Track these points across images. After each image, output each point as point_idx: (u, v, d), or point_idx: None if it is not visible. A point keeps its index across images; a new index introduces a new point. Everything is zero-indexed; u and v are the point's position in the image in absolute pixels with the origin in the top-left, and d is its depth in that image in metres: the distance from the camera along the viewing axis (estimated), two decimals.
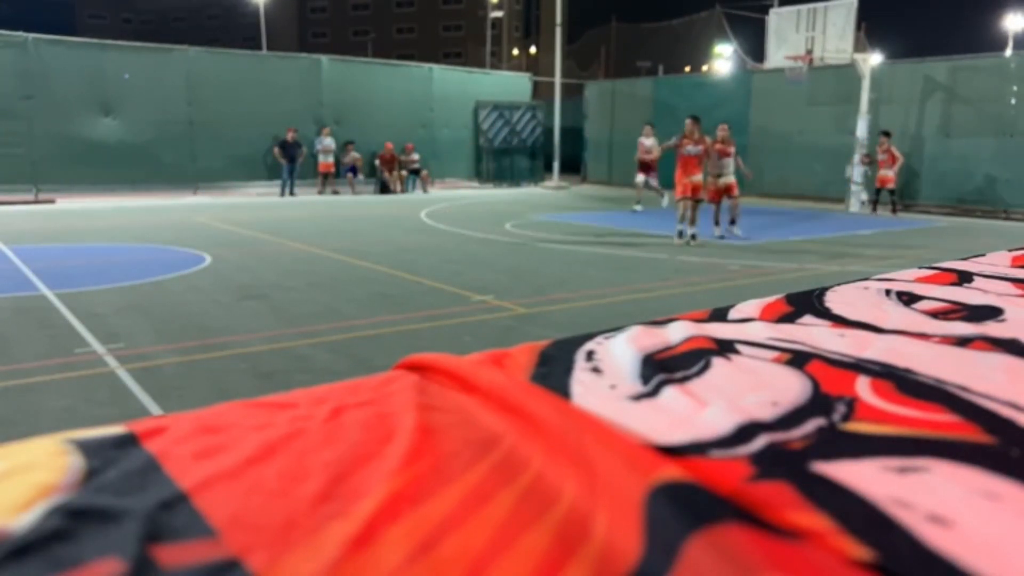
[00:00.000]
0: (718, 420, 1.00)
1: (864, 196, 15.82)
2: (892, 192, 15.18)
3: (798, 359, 1.29)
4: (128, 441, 0.92)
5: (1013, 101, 15.00)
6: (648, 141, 14.88)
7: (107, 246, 9.84)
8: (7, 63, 15.65)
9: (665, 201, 14.73)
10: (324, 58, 20.13)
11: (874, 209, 15.44)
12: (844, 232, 12.25)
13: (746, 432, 0.97)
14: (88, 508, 0.75)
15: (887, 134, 15.10)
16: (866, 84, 15.68)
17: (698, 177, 10.18)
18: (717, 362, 1.28)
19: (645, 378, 1.19)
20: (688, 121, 10.28)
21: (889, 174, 14.96)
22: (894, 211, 15.26)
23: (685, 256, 9.31)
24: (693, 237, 10.26)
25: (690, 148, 10.21)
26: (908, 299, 1.77)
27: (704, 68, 32.17)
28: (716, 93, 20.32)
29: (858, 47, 16.44)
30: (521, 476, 0.85)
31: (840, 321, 1.57)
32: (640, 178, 15.05)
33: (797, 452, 0.92)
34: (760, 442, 0.94)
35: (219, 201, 16.70)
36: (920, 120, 16.24)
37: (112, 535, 0.70)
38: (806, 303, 1.71)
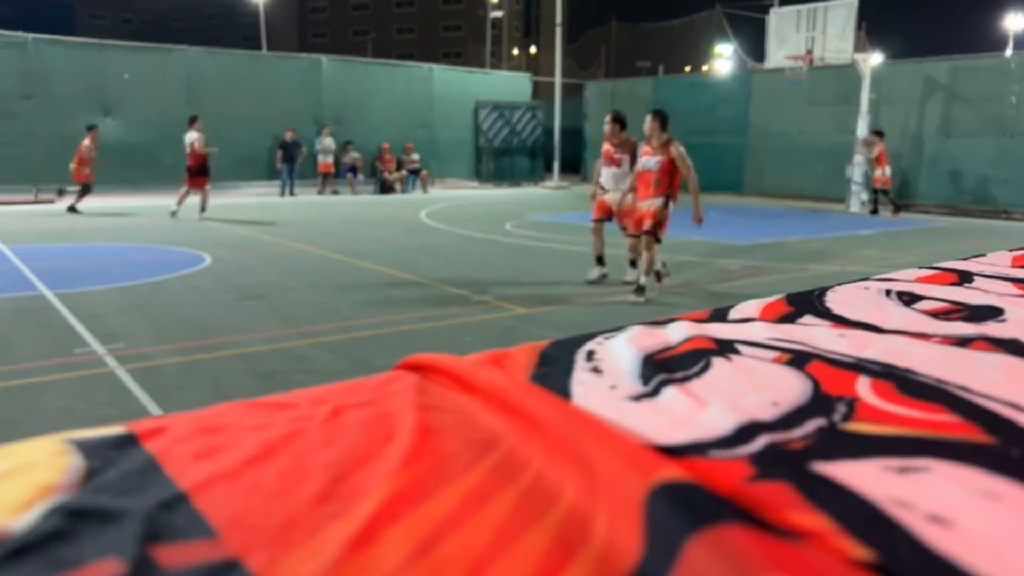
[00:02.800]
0: (718, 420, 1.00)
1: (864, 196, 15.82)
2: (886, 193, 15.18)
3: (798, 359, 1.29)
4: (128, 441, 0.92)
5: (1013, 101, 15.01)
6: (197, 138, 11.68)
7: (107, 246, 9.83)
8: (7, 63, 15.65)
9: (175, 208, 11.67)
10: (324, 58, 20.13)
11: (874, 211, 15.44)
12: (844, 232, 12.24)
13: (746, 432, 0.97)
14: (88, 508, 0.75)
15: (879, 134, 15.10)
16: (866, 84, 15.67)
17: (648, 203, 6.74)
18: (717, 362, 1.28)
19: (645, 378, 1.19)
20: (647, 119, 6.89)
21: (878, 174, 14.98)
22: (895, 211, 15.25)
23: (686, 257, 9.30)
24: (658, 277, 7.03)
25: (641, 160, 6.94)
26: (908, 299, 1.77)
27: (704, 68, 32.22)
28: (716, 93, 20.33)
29: (858, 47, 16.44)
30: (521, 476, 0.85)
31: (840, 321, 1.56)
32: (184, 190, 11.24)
33: (797, 452, 0.92)
34: (760, 442, 0.94)
35: (219, 201, 16.65)
36: (920, 120, 16.25)
37: (112, 535, 0.70)
38: (806, 303, 1.71)
